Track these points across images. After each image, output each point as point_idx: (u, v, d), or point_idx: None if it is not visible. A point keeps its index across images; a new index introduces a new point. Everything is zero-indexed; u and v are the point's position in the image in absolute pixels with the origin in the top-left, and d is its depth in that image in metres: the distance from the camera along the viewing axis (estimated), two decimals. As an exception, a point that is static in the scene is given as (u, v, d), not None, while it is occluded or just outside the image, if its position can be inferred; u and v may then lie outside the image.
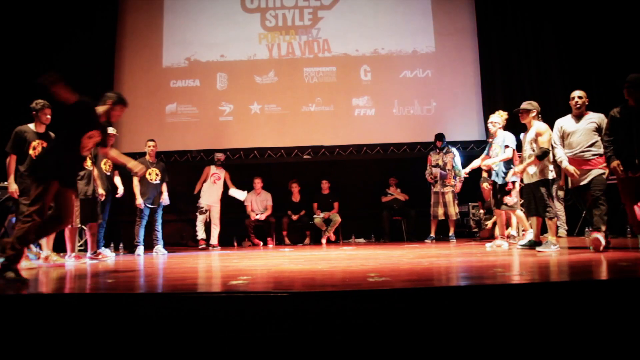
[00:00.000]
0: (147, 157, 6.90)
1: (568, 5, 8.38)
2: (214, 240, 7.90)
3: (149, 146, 6.94)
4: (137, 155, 6.66)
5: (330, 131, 8.87)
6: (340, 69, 9.00)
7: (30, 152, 4.83)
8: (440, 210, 7.70)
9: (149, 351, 2.23)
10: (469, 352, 2.16)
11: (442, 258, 4.37)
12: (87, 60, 8.56)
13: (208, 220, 8.05)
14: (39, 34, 8.54)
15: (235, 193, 8.08)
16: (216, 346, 2.21)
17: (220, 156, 8.12)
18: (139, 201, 6.60)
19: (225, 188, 8.12)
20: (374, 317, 2.25)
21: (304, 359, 2.19)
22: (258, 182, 8.52)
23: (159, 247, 6.79)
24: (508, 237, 6.04)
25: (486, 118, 8.68)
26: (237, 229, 8.57)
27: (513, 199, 5.62)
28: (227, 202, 8.51)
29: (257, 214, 8.36)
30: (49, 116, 5.03)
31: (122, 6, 9.15)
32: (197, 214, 7.98)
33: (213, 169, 8.07)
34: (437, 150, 7.84)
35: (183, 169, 8.53)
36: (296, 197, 8.67)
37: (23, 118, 8.27)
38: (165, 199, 6.88)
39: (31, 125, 4.96)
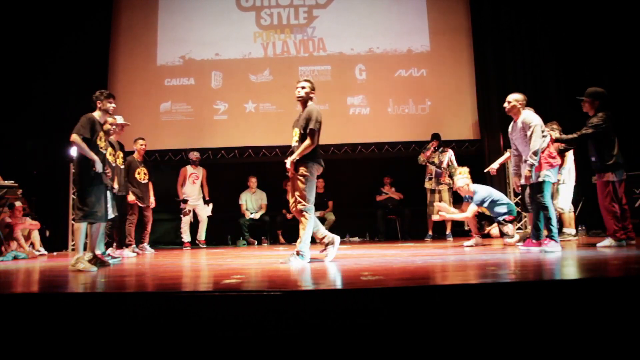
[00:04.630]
0: (136, 155, 6.79)
1: (562, 5, 8.41)
2: (202, 236, 7.93)
3: (141, 145, 6.85)
4: (129, 154, 6.63)
5: (325, 130, 8.79)
6: (335, 67, 9.00)
7: (98, 142, 4.50)
8: (436, 208, 7.76)
9: (140, 351, 2.22)
10: (462, 350, 2.16)
11: (436, 257, 4.38)
12: (81, 58, 8.52)
13: (192, 220, 8.06)
14: (32, 32, 8.49)
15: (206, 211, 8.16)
16: (209, 346, 2.21)
17: (196, 155, 8.12)
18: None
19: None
20: (367, 316, 2.25)
21: (298, 358, 2.19)
22: (253, 181, 8.52)
23: (146, 245, 6.80)
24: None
25: (481, 117, 8.75)
26: (232, 227, 8.56)
27: (509, 227, 5.78)
28: (222, 200, 8.50)
29: (251, 213, 8.36)
30: (114, 105, 4.65)
31: (116, 4, 9.10)
32: (181, 216, 7.98)
33: (190, 169, 8.09)
34: (433, 149, 7.89)
35: (178, 168, 8.50)
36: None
37: (17, 116, 8.30)
38: (152, 201, 6.86)
39: (96, 115, 4.59)
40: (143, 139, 6.93)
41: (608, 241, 4.87)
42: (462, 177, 5.94)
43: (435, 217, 6.07)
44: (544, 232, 4.66)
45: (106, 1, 8.95)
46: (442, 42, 8.98)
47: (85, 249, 4.51)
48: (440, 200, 7.77)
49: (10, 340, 2.28)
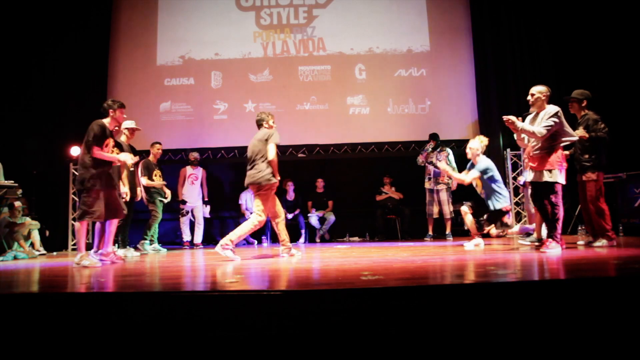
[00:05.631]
0: (152, 158, 7.06)
1: (562, 5, 8.42)
2: (198, 239, 7.93)
3: (158, 149, 7.17)
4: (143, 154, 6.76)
5: (324, 130, 8.87)
6: (335, 67, 9.00)
7: (104, 149, 4.72)
8: (435, 209, 7.81)
9: (140, 351, 2.22)
10: (462, 349, 2.17)
11: (436, 256, 4.38)
12: (81, 58, 8.53)
13: (192, 219, 8.05)
14: (32, 32, 8.49)
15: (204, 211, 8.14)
16: (209, 346, 2.21)
17: (195, 155, 8.13)
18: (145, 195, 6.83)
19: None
20: (367, 315, 2.25)
21: (298, 358, 2.19)
22: (253, 181, 8.50)
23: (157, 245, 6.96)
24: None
25: (481, 116, 8.74)
26: (232, 227, 8.55)
27: (510, 220, 5.74)
28: (222, 200, 8.51)
29: (251, 213, 8.34)
30: (125, 115, 5.00)
31: (116, 4, 9.10)
32: (180, 216, 7.98)
33: (189, 169, 8.07)
34: (431, 149, 7.92)
35: (177, 167, 8.50)
36: (290, 196, 8.67)
37: (17, 116, 8.29)
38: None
39: (106, 121, 4.84)
40: (160, 143, 7.26)
41: (601, 242, 4.86)
42: (478, 142, 5.76)
43: (439, 165, 5.79)
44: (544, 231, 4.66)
45: (106, 1, 8.95)
46: (442, 42, 8.98)
47: (90, 248, 4.81)
48: (439, 200, 7.80)
49: (10, 340, 2.28)
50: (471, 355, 2.16)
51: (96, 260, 4.58)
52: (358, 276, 2.94)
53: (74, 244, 8.06)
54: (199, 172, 8.14)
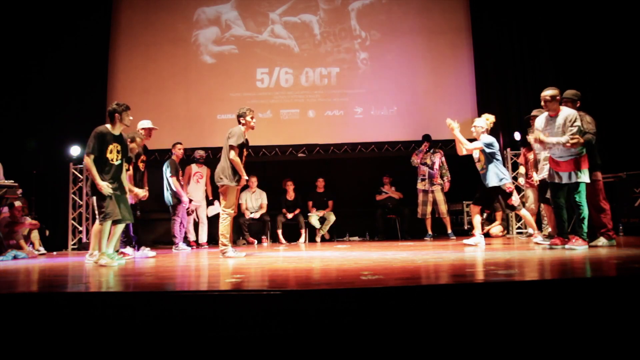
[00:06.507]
0: (175, 158, 7.15)
1: (561, 4, 8.41)
2: (203, 239, 7.91)
3: (179, 149, 7.28)
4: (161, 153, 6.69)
5: (325, 130, 8.87)
6: (337, 68, 9.00)
7: (108, 155, 4.63)
8: (429, 209, 7.84)
9: (140, 351, 2.22)
10: (461, 349, 2.17)
11: (436, 256, 4.38)
12: (81, 58, 8.53)
13: (196, 220, 8.02)
14: (32, 32, 8.50)
15: (212, 210, 8.06)
16: (209, 345, 2.21)
17: (201, 153, 8.09)
18: (185, 198, 7.12)
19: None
20: (367, 315, 2.25)
21: (298, 358, 2.19)
22: (252, 180, 8.50)
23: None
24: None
25: (480, 116, 8.74)
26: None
27: (516, 200, 5.68)
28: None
29: (251, 212, 8.35)
30: (131, 117, 4.83)
31: (116, 4, 9.09)
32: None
33: (194, 167, 8.02)
34: (425, 150, 7.95)
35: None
36: (291, 196, 8.67)
37: (17, 116, 8.30)
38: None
39: (108, 126, 4.71)
40: (181, 143, 7.37)
41: (600, 241, 4.85)
42: (484, 121, 5.73)
43: (448, 121, 5.77)
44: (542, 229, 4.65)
45: (106, 1, 8.95)
46: (442, 42, 8.98)
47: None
48: (434, 200, 7.84)
49: (10, 340, 2.28)
50: (471, 355, 2.16)
51: (112, 260, 4.53)
52: (358, 276, 2.94)
53: (74, 244, 8.07)
54: (204, 170, 8.08)
